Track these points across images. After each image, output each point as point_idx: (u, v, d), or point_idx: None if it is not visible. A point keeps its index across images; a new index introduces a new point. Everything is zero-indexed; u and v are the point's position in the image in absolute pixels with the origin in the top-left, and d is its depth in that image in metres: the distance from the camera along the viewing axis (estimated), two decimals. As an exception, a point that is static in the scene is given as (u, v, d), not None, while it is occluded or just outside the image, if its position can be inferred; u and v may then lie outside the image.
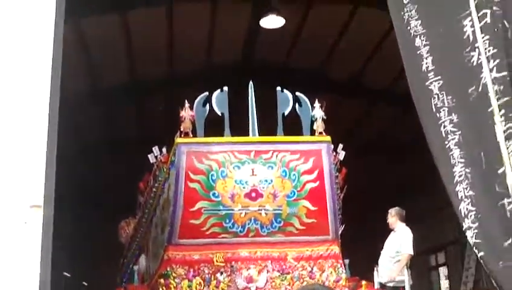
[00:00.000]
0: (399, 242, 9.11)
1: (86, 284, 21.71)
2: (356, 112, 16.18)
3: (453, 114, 4.61)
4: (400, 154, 17.64)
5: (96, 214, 18.18)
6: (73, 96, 11.70)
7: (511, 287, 4.09)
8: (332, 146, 8.32)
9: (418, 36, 4.89)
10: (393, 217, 9.40)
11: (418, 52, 4.87)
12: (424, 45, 4.86)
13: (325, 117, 8.35)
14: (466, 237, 4.43)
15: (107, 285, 11.56)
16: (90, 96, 13.95)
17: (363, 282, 8.21)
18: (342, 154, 8.51)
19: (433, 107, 4.69)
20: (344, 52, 13.45)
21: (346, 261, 9.02)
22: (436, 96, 4.70)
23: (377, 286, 8.79)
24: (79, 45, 11.95)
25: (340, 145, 8.53)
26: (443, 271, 19.74)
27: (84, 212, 18.47)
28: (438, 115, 4.66)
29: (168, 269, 7.84)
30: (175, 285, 7.76)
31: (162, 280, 7.81)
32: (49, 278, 4.34)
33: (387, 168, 18.41)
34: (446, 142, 4.58)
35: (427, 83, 4.76)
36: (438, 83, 4.72)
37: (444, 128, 4.61)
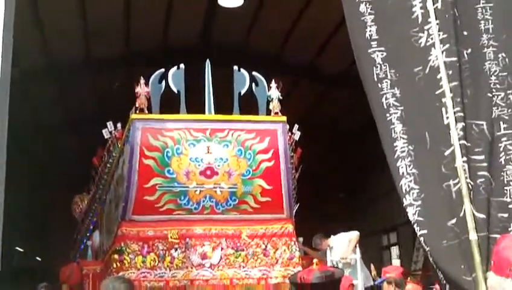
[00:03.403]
0: (345, 242, 9.27)
1: (39, 259, 21.52)
2: (312, 94, 16.30)
3: (396, 88, 4.67)
4: (355, 135, 17.87)
5: (50, 189, 17.99)
6: (28, 71, 11.55)
7: (453, 266, 4.22)
8: (287, 126, 8.39)
9: (364, 3, 4.92)
10: (322, 241, 9.51)
11: (362, 18, 4.89)
12: (369, 13, 4.88)
13: (281, 97, 8.41)
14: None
15: (61, 260, 11.48)
16: (45, 72, 13.74)
17: (315, 260, 8.32)
18: (297, 135, 8.60)
19: (375, 76, 4.74)
20: (302, 35, 13.48)
21: (300, 239, 9.16)
22: (378, 66, 4.74)
23: (329, 264, 8.94)
24: (33, 22, 11.75)
25: (296, 126, 8.62)
26: (395, 251, 20.14)
27: (38, 187, 18.26)
28: (379, 85, 4.71)
29: (122, 245, 7.81)
30: (129, 261, 7.74)
31: (116, 256, 7.79)
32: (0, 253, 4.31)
33: (341, 150, 18.64)
34: (388, 115, 4.65)
35: (369, 51, 4.79)
36: (382, 54, 4.76)
37: (386, 100, 4.67)
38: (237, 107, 8.31)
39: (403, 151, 4.55)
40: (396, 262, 19.79)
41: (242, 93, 8.35)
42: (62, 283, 9.41)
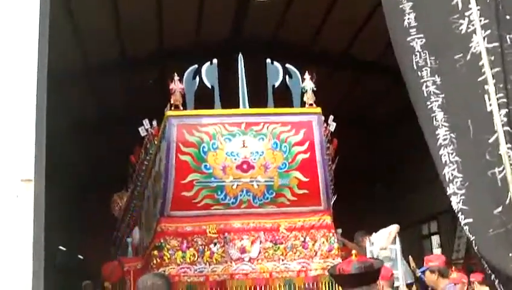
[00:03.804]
0: (385, 235, 9.12)
1: (81, 257, 21.84)
2: (347, 84, 16.19)
3: (437, 76, 4.61)
4: (391, 124, 17.72)
5: (90, 188, 18.23)
6: (63, 71, 11.68)
7: (501, 255, 4.14)
8: (323, 117, 8.34)
9: None
10: (363, 239, 9.35)
11: (401, 6, 4.84)
12: (407, 0, 4.84)
13: (315, 89, 8.35)
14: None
15: (102, 258, 11.63)
16: (80, 70, 13.90)
17: (353, 251, 8.26)
18: (332, 126, 8.54)
19: (415, 64, 4.69)
20: (334, 24, 13.40)
21: (339, 230, 9.11)
22: (418, 54, 4.69)
23: (369, 255, 8.88)
24: (67, 21, 11.88)
25: (331, 117, 8.56)
26: (435, 240, 19.95)
27: (78, 186, 18.52)
28: (419, 73, 4.66)
29: (162, 241, 7.88)
30: (169, 256, 7.81)
31: (155, 252, 7.86)
32: (43, 252, 4.39)
33: (378, 139, 18.51)
34: (428, 103, 4.60)
35: (408, 39, 4.75)
36: (421, 41, 4.71)
37: (426, 88, 4.62)
38: (271, 100, 8.28)
39: (445, 140, 4.48)
40: (437, 251, 19.64)
41: (276, 86, 8.33)
42: (104, 280, 9.52)
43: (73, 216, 18.99)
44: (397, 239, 8.90)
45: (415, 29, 4.75)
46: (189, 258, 7.81)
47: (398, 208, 19.86)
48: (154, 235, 8.10)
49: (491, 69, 4.29)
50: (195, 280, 7.73)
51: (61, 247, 20.31)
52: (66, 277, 17.35)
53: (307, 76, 8.41)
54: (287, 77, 8.40)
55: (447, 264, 7.35)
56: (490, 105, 4.27)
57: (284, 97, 8.46)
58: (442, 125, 4.53)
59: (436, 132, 4.54)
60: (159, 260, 7.78)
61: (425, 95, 4.62)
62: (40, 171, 4.47)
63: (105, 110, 16.05)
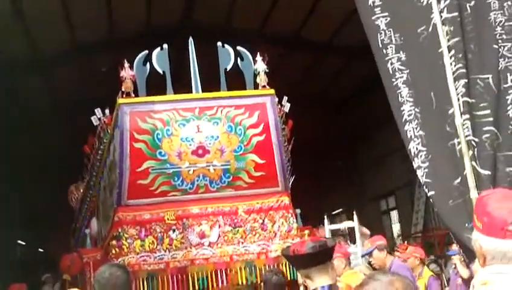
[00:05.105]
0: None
1: (41, 250, 21.62)
2: (301, 65, 16.23)
3: (401, 52, 4.66)
4: (347, 103, 17.84)
5: (46, 180, 17.95)
6: (11, 63, 11.44)
7: (459, 225, 4.22)
8: (276, 99, 8.35)
9: None
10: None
11: None
12: None
13: (267, 70, 8.35)
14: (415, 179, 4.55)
15: (63, 250, 11.49)
16: (31, 61, 13.63)
17: (306, 231, 8.34)
18: (287, 107, 8.56)
19: (380, 43, 4.73)
20: (285, 7, 13.38)
21: (298, 211, 9.15)
22: (383, 32, 4.73)
23: (327, 233, 8.96)
24: (14, 11, 11.63)
25: (285, 98, 8.57)
26: (394, 215, 20.23)
27: (33, 179, 18.23)
28: (384, 51, 4.71)
29: (120, 231, 7.79)
30: (127, 246, 7.73)
31: (114, 242, 7.77)
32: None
33: (336, 118, 18.62)
34: (394, 80, 4.64)
35: (373, 18, 4.79)
36: (385, 19, 4.75)
37: (391, 65, 4.66)
38: (224, 84, 8.25)
39: (410, 115, 4.55)
40: (396, 226, 19.97)
41: (228, 69, 8.29)
42: (63, 273, 9.40)
43: (32, 209, 18.73)
44: (355, 217, 9.01)
45: (379, 8, 4.79)
46: (149, 246, 7.75)
47: (358, 186, 20.11)
48: (112, 225, 8.01)
49: (451, 39, 4.33)
50: (156, 268, 7.67)
51: (20, 241, 20.08)
52: (27, 271, 17.15)
53: (258, 58, 8.39)
54: (238, 59, 8.37)
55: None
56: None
57: (238, 80, 8.43)
58: (407, 101, 4.59)
59: (402, 108, 4.60)
60: (117, 250, 7.70)
61: (391, 72, 4.67)
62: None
63: (59, 100, 15.78)
